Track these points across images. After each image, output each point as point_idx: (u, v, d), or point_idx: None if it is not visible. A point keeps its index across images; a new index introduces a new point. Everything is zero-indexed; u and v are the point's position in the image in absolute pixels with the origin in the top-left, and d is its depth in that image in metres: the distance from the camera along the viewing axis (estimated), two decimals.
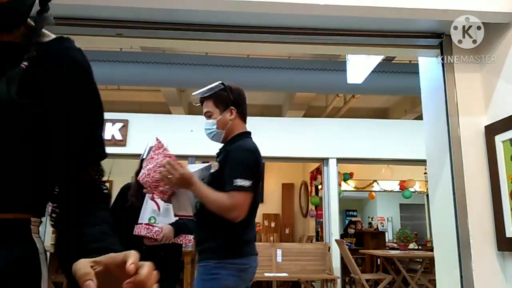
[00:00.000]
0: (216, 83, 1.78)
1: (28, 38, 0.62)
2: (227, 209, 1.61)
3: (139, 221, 2.20)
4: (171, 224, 2.24)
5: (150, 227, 2.17)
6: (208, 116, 1.78)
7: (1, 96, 0.55)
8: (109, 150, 0.73)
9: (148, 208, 2.21)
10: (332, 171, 6.10)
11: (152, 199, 2.22)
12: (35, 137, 0.58)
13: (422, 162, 2.59)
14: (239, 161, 1.67)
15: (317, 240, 7.75)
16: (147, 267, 0.51)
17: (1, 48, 0.61)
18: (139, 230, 2.17)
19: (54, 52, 0.64)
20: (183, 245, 2.48)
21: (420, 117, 3.88)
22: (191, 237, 2.34)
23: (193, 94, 1.84)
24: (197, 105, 1.88)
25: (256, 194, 1.71)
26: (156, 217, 2.20)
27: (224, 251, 1.66)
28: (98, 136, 0.70)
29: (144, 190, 1.75)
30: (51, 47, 0.65)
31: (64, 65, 0.64)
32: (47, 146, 0.60)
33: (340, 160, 6.20)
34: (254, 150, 1.74)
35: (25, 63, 0.59)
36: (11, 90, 0.55)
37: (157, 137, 1.76)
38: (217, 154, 1.82)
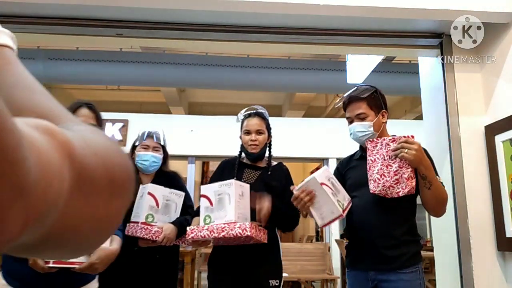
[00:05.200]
0: (366, 86, 1.78)
1: (268, 163, 1.93)
2: (445, 200, 1.60)
3: (133, 219, 1.86)
4: (172, 223, 1.88)
5: (148, 227, 1.82)
6: (361, 118, 1.73)
7: (269, 183, 1.83)
8: None
9: (144, 204, 1.85)
10: (332, 171, 6.08)
11: (150, 193, 1.85)
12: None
13: None
14: (432, 161, 1.69)
15: (317, 240, 7.74)
16: None
17: (260, 168, 1.92)
18: (135, 230, 1.83)
19: (278, 166, 1.94)
20: (182, 246, 2.28)
21: (420, 117, 3.88)
22: None
23: (346, 95, 1.80)
24: (337, 106, 1.89)
25: None
26: (154, 214, 1.85)
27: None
28: None
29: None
30: (277, 165, 1.95)
31: (283, 172, 1.92)
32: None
33: (340, 160, 6.17)
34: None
35: (269, 172, 1.88)
36: (267, 181, 1.85)
37: (367, 140, 1.68)
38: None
